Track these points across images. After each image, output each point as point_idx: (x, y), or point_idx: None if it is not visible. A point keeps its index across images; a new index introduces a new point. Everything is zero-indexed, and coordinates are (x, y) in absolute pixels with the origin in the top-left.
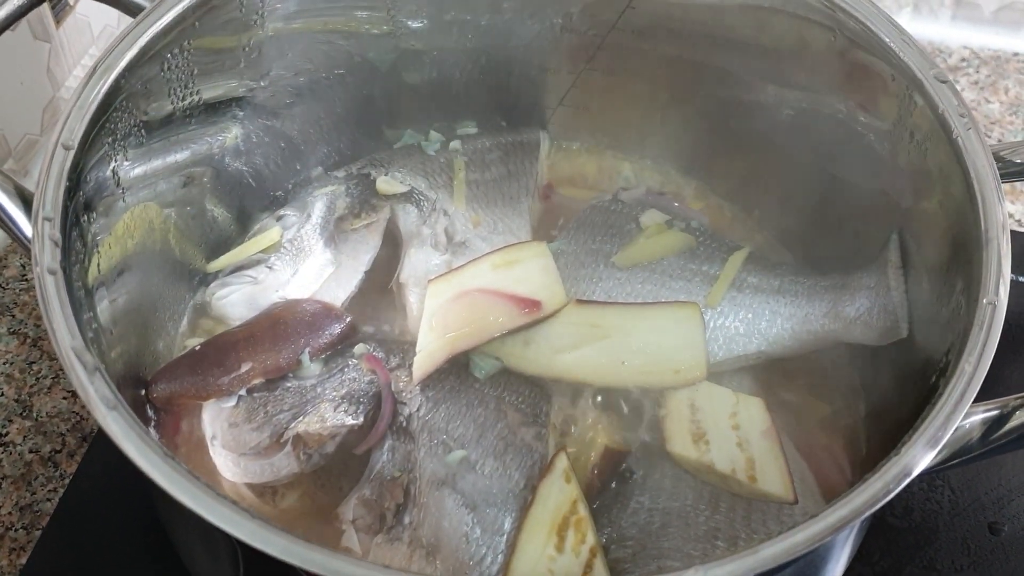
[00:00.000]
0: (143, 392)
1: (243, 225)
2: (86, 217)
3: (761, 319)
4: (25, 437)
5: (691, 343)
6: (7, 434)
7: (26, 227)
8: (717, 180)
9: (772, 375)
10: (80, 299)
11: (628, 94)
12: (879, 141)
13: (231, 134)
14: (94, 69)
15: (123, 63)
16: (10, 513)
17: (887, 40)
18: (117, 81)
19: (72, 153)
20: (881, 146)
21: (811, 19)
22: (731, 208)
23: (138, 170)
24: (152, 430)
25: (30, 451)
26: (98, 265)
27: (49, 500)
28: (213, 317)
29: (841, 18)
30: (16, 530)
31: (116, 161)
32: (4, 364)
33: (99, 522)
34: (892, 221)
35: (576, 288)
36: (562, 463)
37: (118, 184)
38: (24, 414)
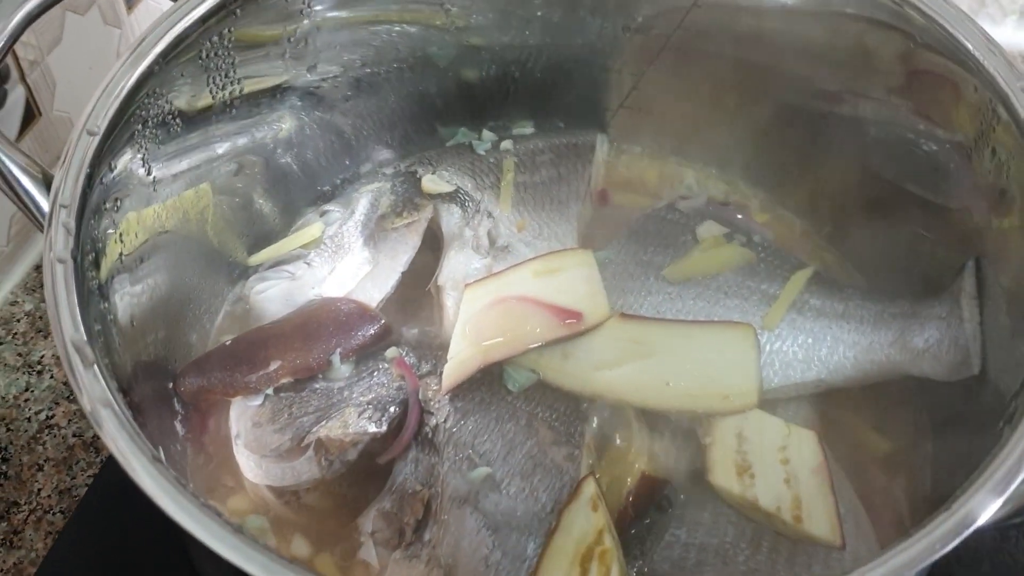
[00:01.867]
0: (171, 385)
1: (288, 219)
2: (111, 204)
3: (822, 345)
4: (70, 420)
5: (743, 367)
6: (53, 417)
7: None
8: (786, 192)
9: (831, 406)
10: (92, 289)
11: (693, 97)
12: (958, 157)
13: (286, 125)
14: (128, 55)
15: (157, 50)
16: (49, 496)
17: (970, 47)
18: (150, 68)
19: (97, 139)
20: (960, 163)
21: (888, 23)
22: (800, 223)
23: (173, 159)
24: (178, 424)
25: (73, 435)
26: (121, 255)
27: (87, 485)
28: (250, 312)
29: (920, 23)
30: (54, 513)
31: (146, 150)
32: (54, 346)
33: (123, 511)
34: (970, 246)
35: (623, 301)
36: (589, 489)
37: (148, 172)
38: (70, 397)
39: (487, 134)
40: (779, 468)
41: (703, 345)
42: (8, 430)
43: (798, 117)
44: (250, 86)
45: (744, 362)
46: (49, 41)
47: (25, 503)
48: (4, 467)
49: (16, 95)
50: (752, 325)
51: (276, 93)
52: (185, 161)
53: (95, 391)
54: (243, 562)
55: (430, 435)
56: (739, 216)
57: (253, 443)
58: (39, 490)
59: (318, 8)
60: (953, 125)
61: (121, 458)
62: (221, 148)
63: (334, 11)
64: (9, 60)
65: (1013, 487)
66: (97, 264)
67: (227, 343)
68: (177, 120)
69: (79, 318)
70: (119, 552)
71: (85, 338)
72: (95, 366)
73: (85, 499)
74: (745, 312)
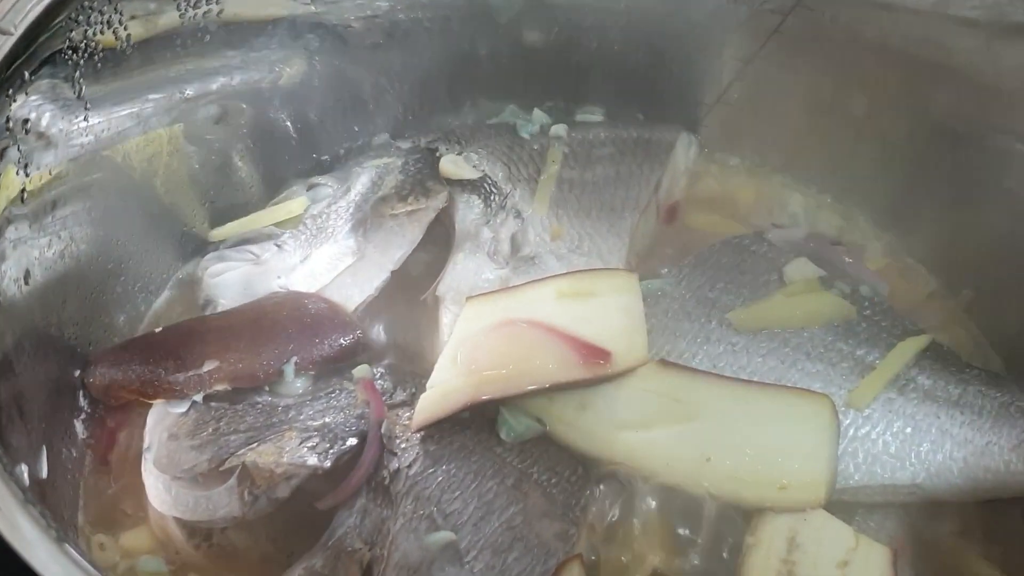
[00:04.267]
0: (78, 373)
1: (269, 190)
2: (16, 125)
3: (924, 438)
4: None
5: (813, 452)
6: None
7: None
8: (919, 239)
9: (927, 521)
10: None
11: (812, 100)
12: None
13: (291, 70)
14: None
15: None
16: None
17: None
18: None
19: (10, 41)
20: None
21: None
22: (933, 280)
23: (118, 87)
24: (79, 424)
25: None
26: (23, 193)
27: None
28: (199, 297)
29: None
30: None
31: (81, 68)
32: None
33: None
34: None
35: (671, 346)
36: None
37: (79, 96)
38: None
39: (539, 115)
40: None
41: (764, 416)
42: None
43: (947, 144)
44: (235, 10)
45: (815, 445)
46: None
47: None
48: None
49: None
50: (830, 399)
51: (284, 27)
52: (136, 92)
53: None
54: None
55: (387, 481)
56: (848, 260)
57: (164, 459)
58: None
59: None
60: None
61: None
62: (195, 85)
63: None
64: None
65: None
66: None
67: (156, 331)
68: (128, 37)
69: None
70: None
71: None
72: None
73: None
74: (829, 381)
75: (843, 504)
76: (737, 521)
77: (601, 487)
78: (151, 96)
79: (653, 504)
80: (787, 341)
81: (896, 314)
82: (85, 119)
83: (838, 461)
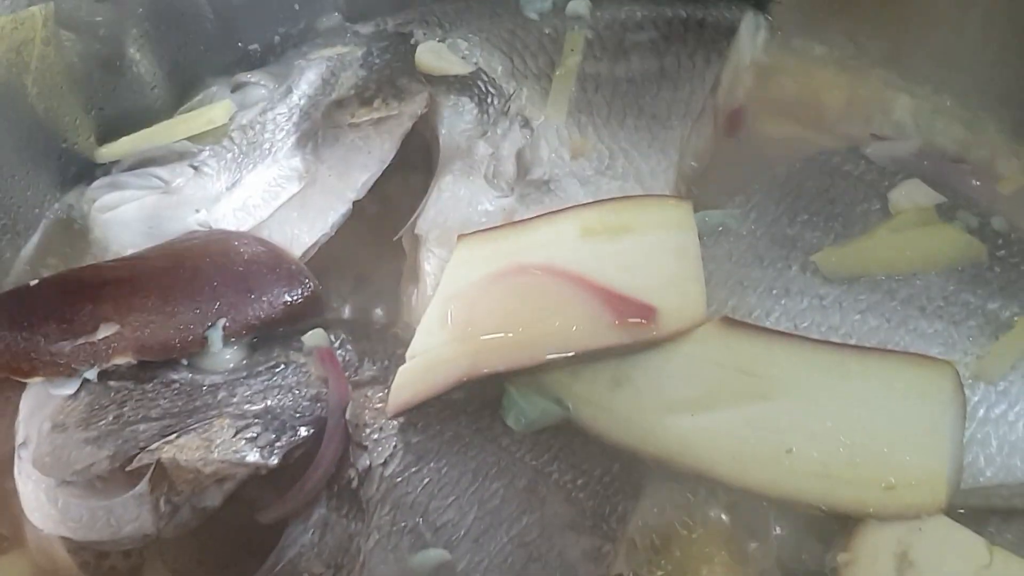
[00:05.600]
0: None
1: (178, 90)
2: None
3: None
4: None
5: (930, 440)
6: None
7: None
8: None
9: None
10: None
11: None
12: None
13: None
14: None
15: None
16: None
17: None
18: None
19: None
20: None
21: None
22: None
23: None
24: None
25: None
26: None
27: None
28: (85, 238)
29: None
30: None
31: None
32: None
33: None
34: None
35: (737, 300)
36: None
37: None
38: None
39: None
40: None
41: (864, 392)
42: None
43: None
44: None
45: (932, 431)
46: None
47: None
48: None
49: None
50: (954, 368)
51: None
52: None
53: None
54: None
55: (354, 484)
56: (975, 182)
57: (47, 457)
58: None
59: None
60: None
61: None
62: None
63: None
64: None
65: None
66: None
67: (32, 284)
68: None
69: None
70: None
71: None
72: None
73: None
74: (951, 345)
75: (971, 509)
76: (828, 533)
77: (644, 490)
78: None
79: (715, 512)
80: (894, 292)
81: None
82: None
83: (964, 451)
